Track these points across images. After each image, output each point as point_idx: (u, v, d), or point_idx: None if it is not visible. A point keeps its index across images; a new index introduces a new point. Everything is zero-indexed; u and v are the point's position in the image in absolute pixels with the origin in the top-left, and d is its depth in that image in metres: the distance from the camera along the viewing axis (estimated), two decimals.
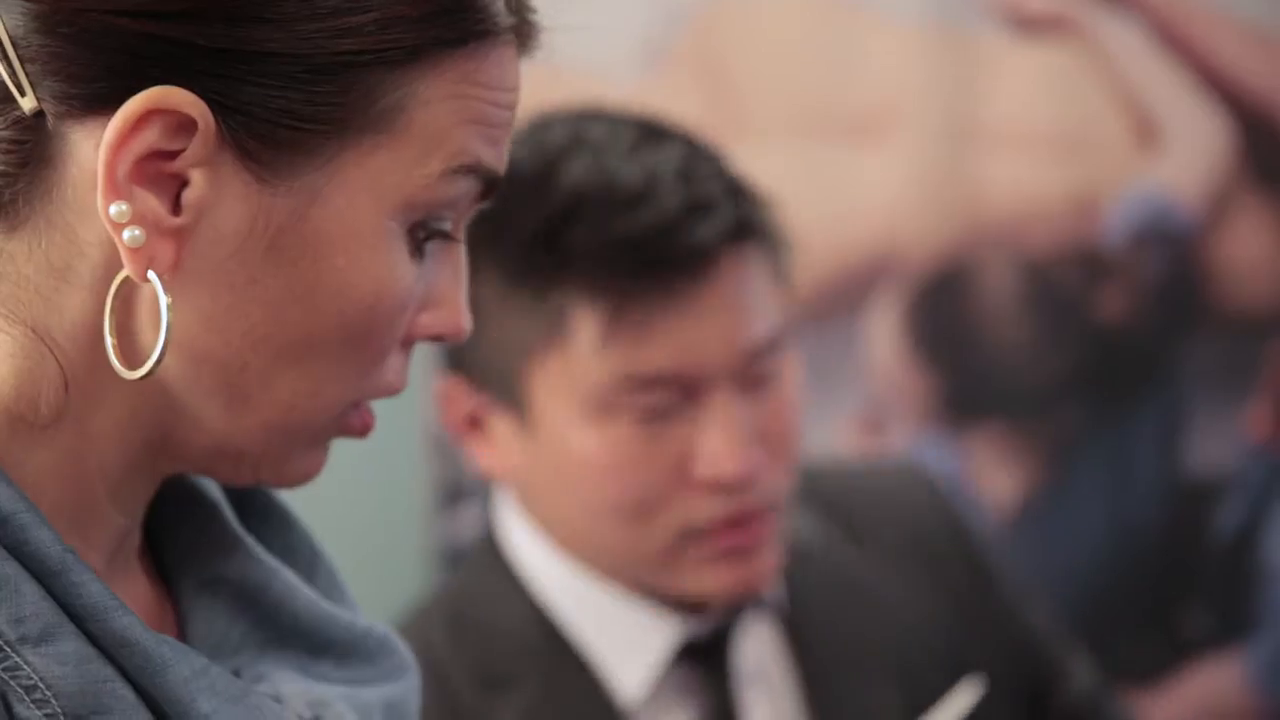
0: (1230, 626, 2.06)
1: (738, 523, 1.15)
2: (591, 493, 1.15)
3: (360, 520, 1.97)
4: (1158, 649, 2.06)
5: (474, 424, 1.19)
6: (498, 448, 1.19)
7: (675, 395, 1.14)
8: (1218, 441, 2.07)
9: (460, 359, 1.19)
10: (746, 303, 1.15)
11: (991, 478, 2.08)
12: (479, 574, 1.23)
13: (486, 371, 1.17)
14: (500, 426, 1.18)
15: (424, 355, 2.10)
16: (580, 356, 1.13)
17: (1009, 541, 2.05)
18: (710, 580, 1.16)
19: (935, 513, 1.35)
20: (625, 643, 1.19)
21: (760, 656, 1.23)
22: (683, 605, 1.20)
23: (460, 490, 2.10)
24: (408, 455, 2.08)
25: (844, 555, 1.27)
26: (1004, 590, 1.34)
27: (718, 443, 1.14)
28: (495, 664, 1.18)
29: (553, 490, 1.18)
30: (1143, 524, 2.06)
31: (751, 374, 1.16)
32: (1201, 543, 2.06)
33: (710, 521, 1.15)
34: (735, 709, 1.20)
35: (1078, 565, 2.06)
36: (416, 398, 2.07)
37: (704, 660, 1.20)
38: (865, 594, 1.27)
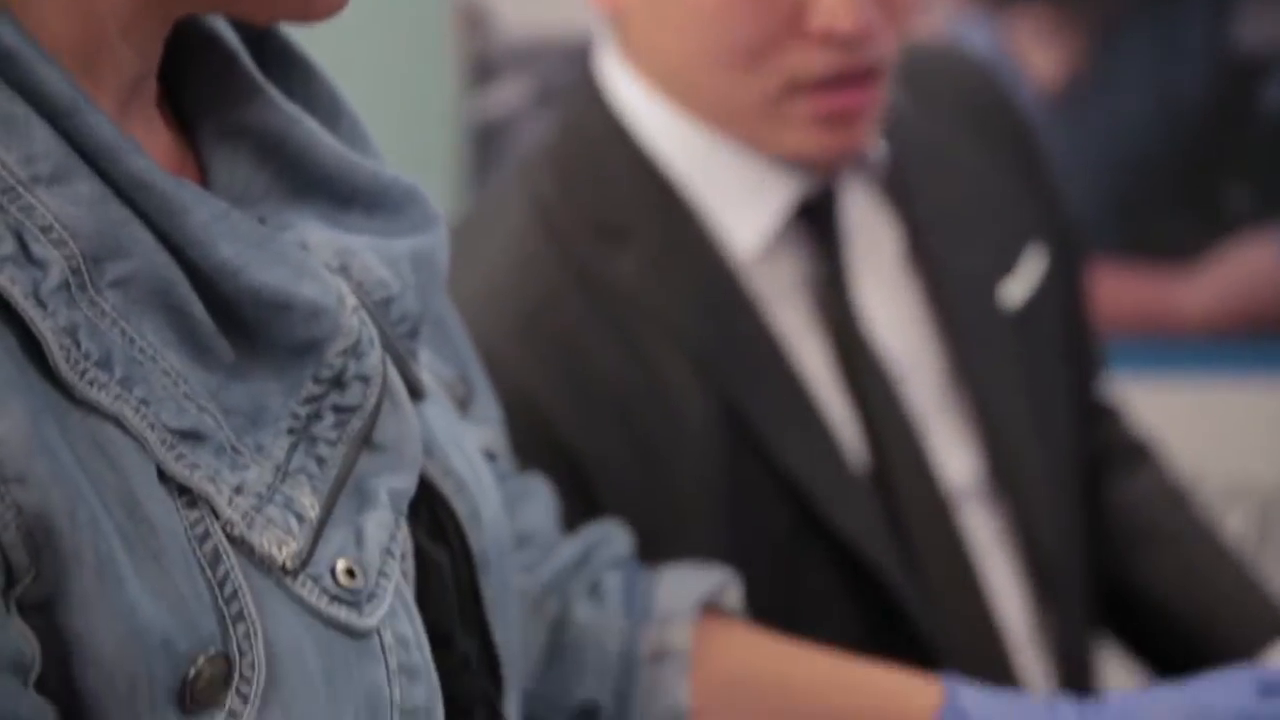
0: (1271, 204, 2.04)
1: (844, 82, 1.13)
2: (700, 35, 1.13)
3: (389, 97, 1.94)
4: (1199, 226, 2.05)
5: None
6: None
7: None
8: (1268, 17, 2.02)
9: None
10: None
11: (1035, 56, 2.04)
12: (583, 124, 1.21)
13: None
14: None
15: None
16: None
17: (1053, 120, 2.02)
18: (810, 140, 1.15)
19: (987, 87, 1.33)
20: (739, 197, 1.18)
21: (865, 216, 1.22)
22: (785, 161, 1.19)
23: (492, 66, 2.06)
24: (437, 29, 2.04)
25: (925, 120, 1.25)
26: (1051, 171, 1.33)
27: None
28: (610, 214, 1.17)
29: (660, 31, 1.15)
30: (1189, 101, 2.03)
31: None
32: (1247, 120, 2.03)
33: (818, 75, 1.12)
34: (843, 266, 1.19)
35: (1121, 143, 2.04)
36: None
37: (813, 218, 1.19)
38: (950, 158, 1.26)
